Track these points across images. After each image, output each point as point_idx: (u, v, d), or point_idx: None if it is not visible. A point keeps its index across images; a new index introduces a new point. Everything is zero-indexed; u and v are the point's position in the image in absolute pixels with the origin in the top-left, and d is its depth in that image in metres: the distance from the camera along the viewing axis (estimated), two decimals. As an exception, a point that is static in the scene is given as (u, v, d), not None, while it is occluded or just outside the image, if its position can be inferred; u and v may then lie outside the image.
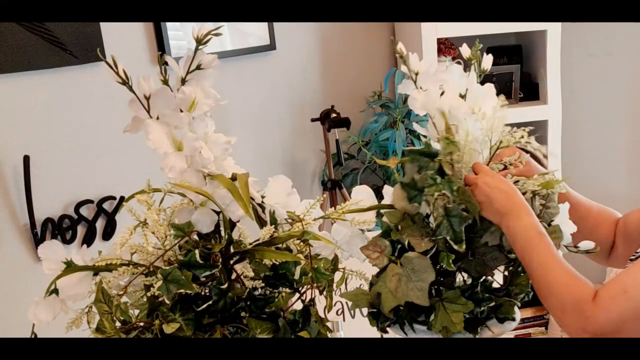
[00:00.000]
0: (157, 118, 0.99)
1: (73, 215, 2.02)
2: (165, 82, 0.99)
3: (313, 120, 2.63)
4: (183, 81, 0.99)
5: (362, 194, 1.18)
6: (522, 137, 1.18)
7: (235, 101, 2.48)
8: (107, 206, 2.08)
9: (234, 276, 1.03)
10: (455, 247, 1.09)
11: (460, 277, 1.20)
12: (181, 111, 0.99)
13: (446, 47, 2.80)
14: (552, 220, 1.17)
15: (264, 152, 2.67)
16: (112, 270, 1.00)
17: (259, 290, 1.05)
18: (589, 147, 3.15)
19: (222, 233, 1.04)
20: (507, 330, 1.18)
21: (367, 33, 2.94)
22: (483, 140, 1.16)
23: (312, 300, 1.09)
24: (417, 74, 1.17)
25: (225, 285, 1.00)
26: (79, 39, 1.96)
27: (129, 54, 2.13)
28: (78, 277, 1.02)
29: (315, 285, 1.07)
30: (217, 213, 1.03)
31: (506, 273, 1.22)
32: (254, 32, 2.55)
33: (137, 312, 1.07)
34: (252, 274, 1.03)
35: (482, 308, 1.15)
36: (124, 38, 2.12)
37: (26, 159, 1.88)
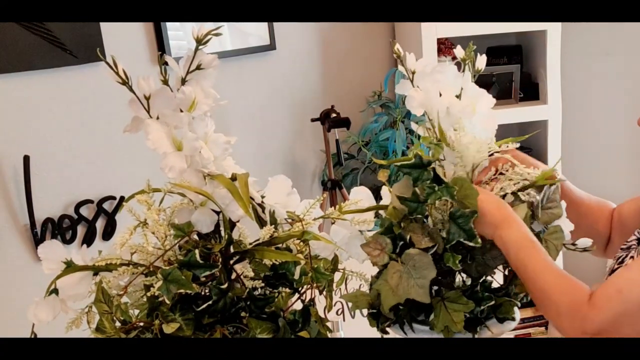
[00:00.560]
0: (157, 118, 0.99)
1: (73, 215, 2.02)
2: (165, 82, 0.99)
3: (313, 120, 2.63)
4: (183, 81, 0.99)
5: (360, 195, 1.18)
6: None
7: (235, 101, 2.48)
8: (107, 206, 2.08)
9: (233, 276, 1.03)
10: (471, 243, 1.10)
11: (460, 277, 1.21)
12: (181, 111, 0.99)
13: (446, 47, 2.80)
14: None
15: (264, 152, 2.67)
16: (112, 270, 1.00)
17: (259, 290, 1.05)
18: (589, 147, 3.15)
19: (222, 233, 1.04)
20: (507, 330, 1.18)
21: (367, 33, 2.94)
22: (480, 141, 1.16)
23: (312, 300, 1.09)
24: (414, 73, 1.17)
25: (225, 285, 1.00)
26: (78, 38, 1.96)
27: (129, 54, 2.13)
28: (78, 277, 1.02)
29: (315, 285, 1.07)
30: (217, 213, 1.02)
31: (506, 273, 1.22)
32: (254, 32, 2.55)
33: (137, 312, 1.07)
34: (252, 274, 1.03)
35: (482, 307, 1.15)
36: (124, 38, 2.12)
37: (26, 159, 1.88)
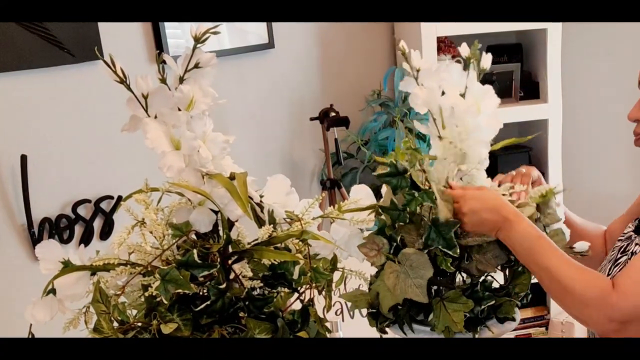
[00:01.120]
0: (155, 117, 0.99)
1: (70, 214, 2.02)
2: (163, 80, 0.99)
3: (312, 119, 2.63)
4: (181, 80, 0.99)
5: (360, 193, 1.17)
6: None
7: (234, 100, 2.47)
8: (105, 206, 2.08)
9: (232, 276, 1.03)
10: (450, 252, 1.10)
11: (460, 277, 1.20)
12: (179, 110, 0.99)
13: (446, 45, 2.80)
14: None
15: (262, 151, 2.66)
16: (109, 270, 0.99)
17: (258, 290, 1.05)
18: (589, 146, 3.14)
19: (221, 232, 1.03)
20: (507, 331, 1.17)
21: (366, 32, 2.93)
22: (483, 140, 1.16)
23: (311, 300, 1.08)
24: (418, 71, 1.17)
25: (224, 285, 0.99)
26: (76, 37, 1.95)
27: (127, 53, 2.13)
28: (75, 277, 1.01)
29: (314, 285, 1.07)
30: (216, 212, 1.02)
31: (506, 272, 1.21)
32: (253, 30, 2.54)
33: (134, 312, 1.06)
34: (250, 274, 1.02)
35: (482, 307, 1.15)
36: (121, 37, 2.11)
37: (23, 159, 1.87)
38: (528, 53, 2.94)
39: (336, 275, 1.17)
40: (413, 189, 1.11)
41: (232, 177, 0.99)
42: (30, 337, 1.04)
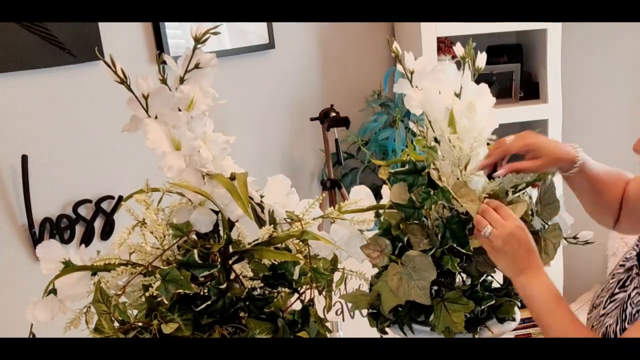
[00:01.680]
0: (156, 117, 0.99)
1: (71, 215, 2.02)
2: (164, 81, 0.99)
3: (312, 119, 2.63)
4: (181, 80, 0.99)
5: (360, 194, 1.18)
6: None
7: (234, 100, 2.47)
8: (106, 206, 2.08)
9: (232, 276, 1.03)
10: (464, 250, 1.10)
11: (460, 278, 1.20)
12: (179, 110, 0.99)
13: (446, 45, 2.80)
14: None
15: (262, 152, 2.67)
16: (110, 270, 0.99)
17: (258, 290, 1.05)
18: (589, 146, 3.13)
19: (221, 233, 1.03)
20: (507, 331, 1.18)
21: (366, 32, 2.93)
22: (480, 140, 1.16)
23: (312, 300, 1.09)
24: (412, 73, 1.17)
25: (224, 285, 1.00)
26: (77, 37, 1.95)
27: (127, 53, 2.13)
28: (76, 277, 1.01)
29: (314, 285, 1.07)
30: (216, 213, 1.02)
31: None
32: (253, 30, 2.54)
33: (135, 312, 1.06)
34: (251, 274, 1.02)
35: (483, 307, 1.15)
36: (122, 37, 2.11)
37: (24, 159, 1.88)
38: (528, 53, 2.94)
39: (336, 276, 1.17)
40: (430, 187, 1.11)
41: (232, 177, 0.99)
42: (31, 337, 1.04)
